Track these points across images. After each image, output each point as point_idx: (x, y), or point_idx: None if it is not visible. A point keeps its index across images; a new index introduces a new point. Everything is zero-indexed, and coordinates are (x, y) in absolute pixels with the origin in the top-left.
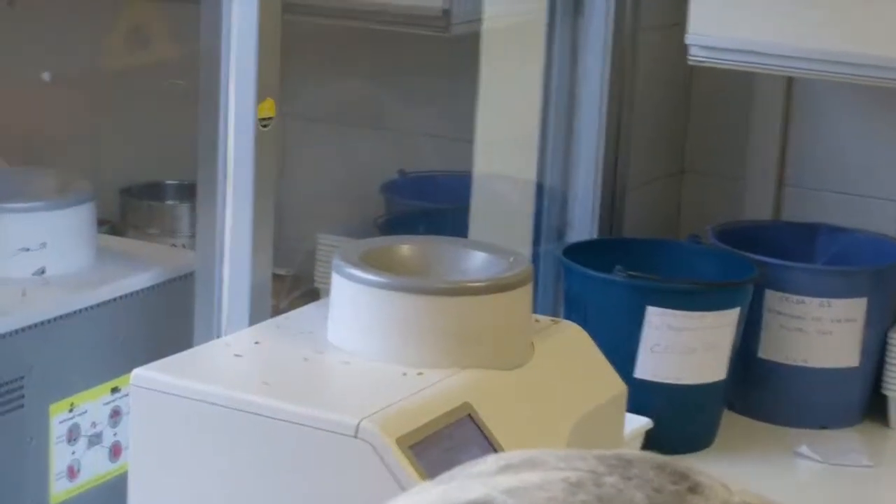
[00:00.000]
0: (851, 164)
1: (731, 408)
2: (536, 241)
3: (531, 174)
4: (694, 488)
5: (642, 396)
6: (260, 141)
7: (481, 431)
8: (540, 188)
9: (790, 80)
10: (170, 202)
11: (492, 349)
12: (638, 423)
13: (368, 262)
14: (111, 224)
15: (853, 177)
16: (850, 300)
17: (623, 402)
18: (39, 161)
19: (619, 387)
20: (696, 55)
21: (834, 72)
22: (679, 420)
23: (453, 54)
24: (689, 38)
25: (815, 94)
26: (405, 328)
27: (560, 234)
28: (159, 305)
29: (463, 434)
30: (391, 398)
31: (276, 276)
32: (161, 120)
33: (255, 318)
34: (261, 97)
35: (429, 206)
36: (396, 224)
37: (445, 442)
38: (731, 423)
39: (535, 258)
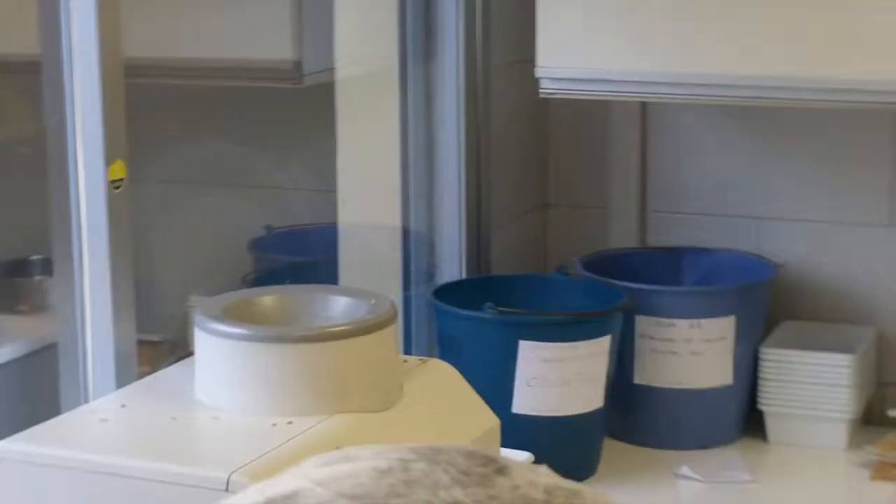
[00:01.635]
0: (710, 185)
1: (612, 435)
2: (407, 286)
3: (396, 220)
4: (501, 470)
5: (522, 431)
6: (112, 204)
7: None
8: (406, 233)
9: (644, 106)
10: (37, 277)
11: (359, 393)
12: (518, 458)
13: (230, 314)
14: None
15: (713, 197)
16: (718, 319)
17: (497, 435)
18: None
19: (491, 421)
20: (547, 87)
21: (683, 94)
22: (560, 452)
23: (309, 105)
24: (539, 72)
25: (669, 118)
26: (270, 379)
27: (430, 276)
28: (23, 379)
29: None
30: (261, 450)
31: (151, 343)
32: (23, 194)
33: (122, 384)
34: (110, 159)
35: (297, 259)
36: (266, 280)
37: None
38: (613, 450)
39: (407, 302)
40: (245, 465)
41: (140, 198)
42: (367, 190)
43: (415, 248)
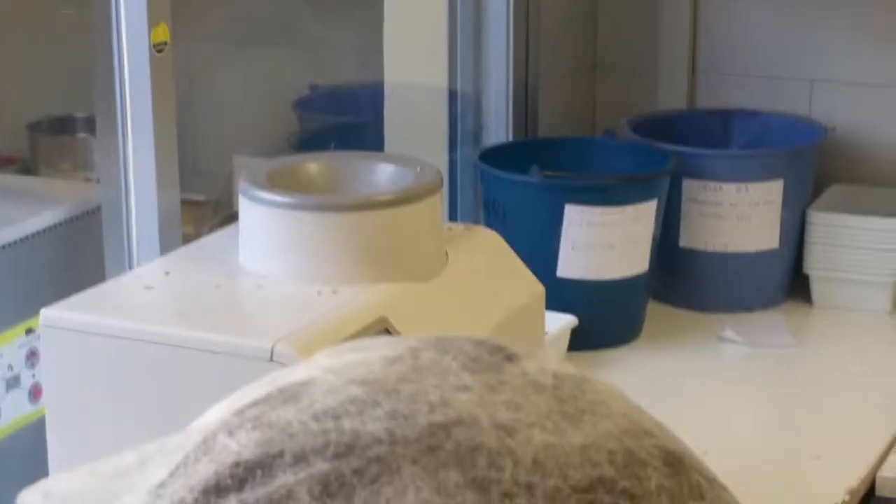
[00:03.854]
0: (762, 46)
1: (657, 298)
2: (452, 148)
3: (443, 80)
4: (510, 357)
5: (566, 295)
6: (155, 66)
7: None
8: (452, 94)
9: None
10: (81, 135)
11: (404, 261)
12: (563, 322)
13: (275, 182)
14: (22, 161)
15: (765, 59)
16: (766, 183)
17: (541, 302)
18: None
19: (536, 288)
20: None
21: None
22: (605, 315)
23: None
24: None
25: None
26: (315, 247)
27: (476, 138)
28: (68, 243)
29: None
30: (305, 318)
31: (194, 203)
32: (69, 52)
33: (165, 248)
34: (153, 21)
35: (343, 119)
36: (310, 140)
37: None
38: (657, 313)
39: (452, 165)
40: (289, 333)
41: (185, 56)
42: (413, 48)
43: (461, 108)
